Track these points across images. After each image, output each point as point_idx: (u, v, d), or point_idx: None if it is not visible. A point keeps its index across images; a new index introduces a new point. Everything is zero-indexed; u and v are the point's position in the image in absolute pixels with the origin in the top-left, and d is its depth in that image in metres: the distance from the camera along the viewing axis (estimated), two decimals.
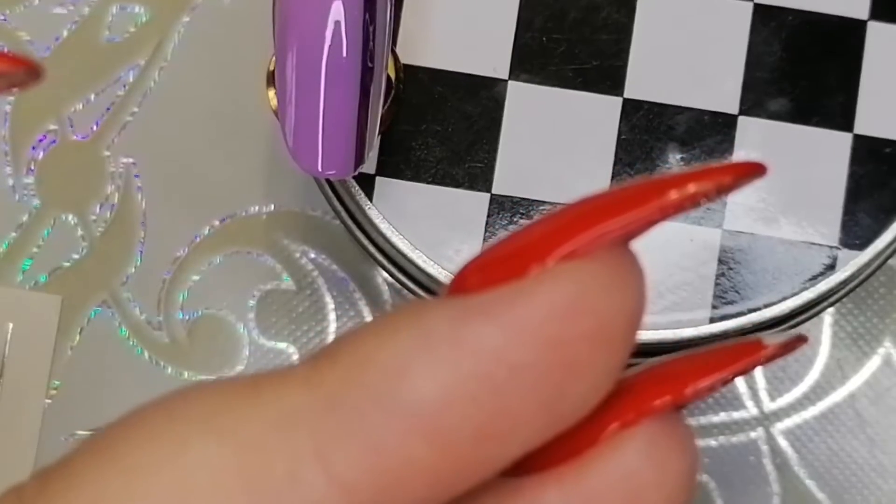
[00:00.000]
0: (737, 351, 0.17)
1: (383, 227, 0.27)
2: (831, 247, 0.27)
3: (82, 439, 0.16)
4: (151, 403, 0.15)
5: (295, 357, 0.37)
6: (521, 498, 0.16)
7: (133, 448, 0.15)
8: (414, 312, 0.15)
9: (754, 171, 0.15)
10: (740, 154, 0.27)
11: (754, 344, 0.17)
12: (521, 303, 0.15)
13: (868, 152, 0.27)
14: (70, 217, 0.37)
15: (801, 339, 0.17)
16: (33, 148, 0.37)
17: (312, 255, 0.37)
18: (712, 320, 0.27)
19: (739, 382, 0.37)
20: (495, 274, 0.15)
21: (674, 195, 0.15)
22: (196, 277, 0.37)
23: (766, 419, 0.37)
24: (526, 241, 0.15)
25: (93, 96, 0.38)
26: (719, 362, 0.16)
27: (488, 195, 0.27)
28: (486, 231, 0.27)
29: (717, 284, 0.27)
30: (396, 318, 0.15)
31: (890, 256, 0.28)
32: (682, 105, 0.27)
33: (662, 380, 0.16)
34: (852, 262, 0.27)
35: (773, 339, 0.17)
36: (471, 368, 0.14)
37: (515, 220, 0.27)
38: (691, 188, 0.15)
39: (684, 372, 0.16)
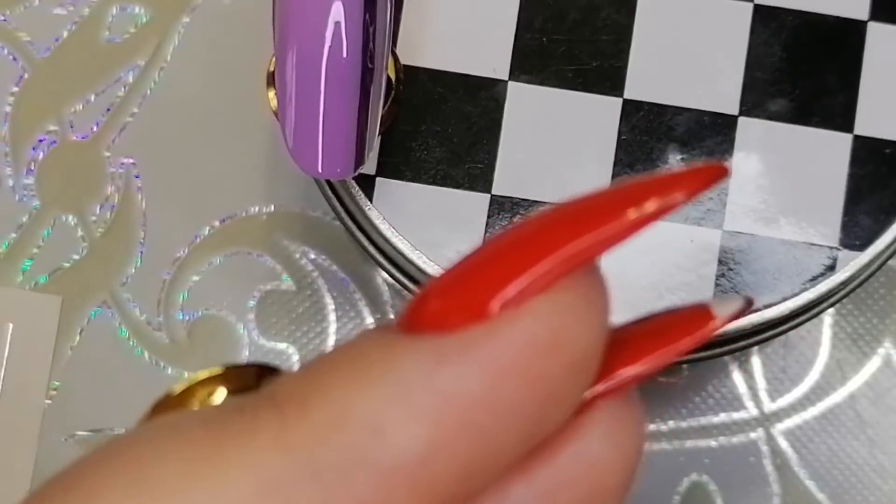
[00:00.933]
0: (687, 324, 0.16)
1: (383, 227, 0.27)
2: (831, 247, 0.27)
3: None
4: (104, 461, 0.14)
5: (295, 358, 0.37)
6: (488, 494, 0.15)
7: None
8: (385, 356, 0.14)
9: (717, 176, 0.15)
10: (740, 155, 0.27)
11: (702, 314, 0.16)
12: (499, 343, 0.14)
13: (868, 153, 0.27)
14: (70, 217, 0.37)
15: (749, 304, 0.16)
16: (33, 148, 0.37)
17: (312, 256, 0.37)
18: None
19: (739, 383, 0.37)
20: (458, 301, 0.15)
21: (651, 206, 0.15)
22: (196, 278, 0.37)
23: (766, 420, 0.37)
24: (487, 266, 0.15)
25: (93, 97, 0.38)
26: (670, 337, 0.16)
27: (488, 196, 0.27)
28: (486, 232, 0.27)
29: (717, 285, 0.27)
30: (366, 362, 0.14)
31: (890, 257, 0.28)
32: (682, 106, 0.27)
33: (615, 357, 0.16)
34: (852, 263, 0.27)
35: (721, 307, 0.16)
36: (452, 417, 0.14)
37: (515, 220, 0.27)
38: (663, 202, 0.15)
39: (635, 349, 0.16)
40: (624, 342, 0.16)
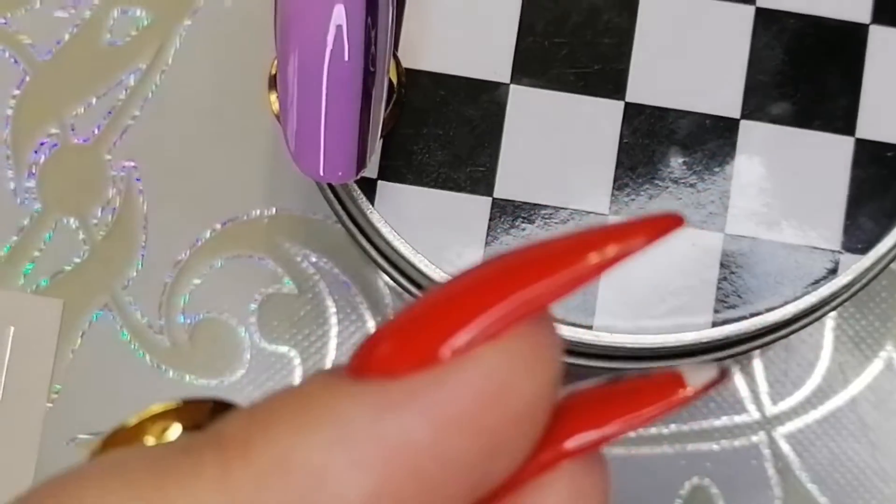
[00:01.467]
0: (657, 390, 0.16)
1: (385, 230, 0.27)
2: (833, 251, 0.27)
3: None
4: (47, 497, 0.14)
5: (297, 361, 0.37)
6: None
7: None
8: (329, 399, 0.14)
9: (671, 226, 0.14)
10: (742, 158, 0.27)
11: (674, 382, 0.16)
12: (446, 391, 0.14)
13: (870, 156, 0.27)
14: (71, 221, 0.37)
15: (724, 375, 0.16)
16: (35, 152, 0.37)
17: (314, 259, 0.37)
18: (714, 324, 0.27)
19: (741, 386, 0.37)
20: (408, 346, 0.14)
21: (594, 259, 0.14)
22: (197, 281, 0.37)
23: (768, 423, 0.37)
24: (439, 310, 0.15)
25: (94, 100, 0.38)
26: (639, 403, 0.15)
27: (490, 199, 0.27)
28: (487, 235, 0.27)
29: (719, 289, 0.27)
30: (311, 406, 0.14)
31: (892, 261, 0.28)
32: (684, 109, 0.27)
33: (582, 417, 0.15)
34: (854, 267, 0.27)
35: (695, 376, 0.16)
36: (396, 465, 0.14)
37: (517, 223, 0.27)
38: (611, 251, 0.14)
39: (602, 412, 0.15)
40: (592, 402, 0.16)
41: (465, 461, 0.14)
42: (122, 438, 0.16)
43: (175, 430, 0.16)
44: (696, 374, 0.16)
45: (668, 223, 0.14)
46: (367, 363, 0.14)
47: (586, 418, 0.15)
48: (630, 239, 0.14)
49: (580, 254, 0.14)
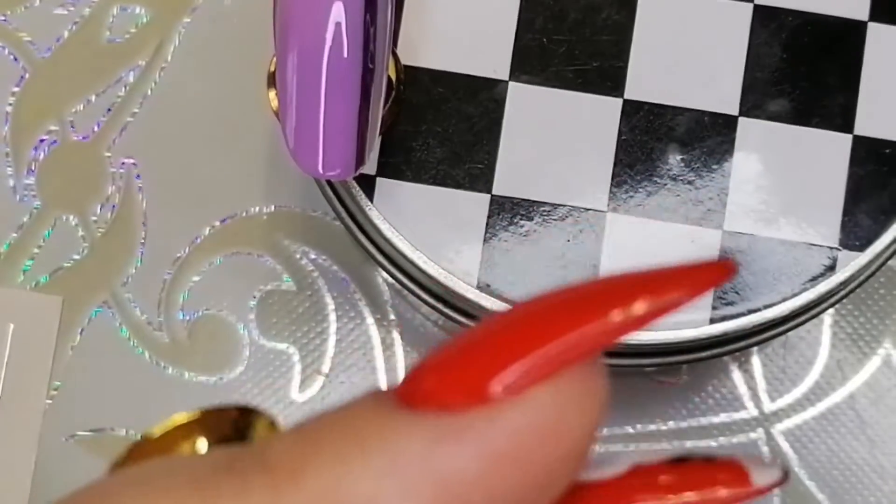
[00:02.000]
0: (724, 480, 0.16)
1: (384, 227, 0.27)
2: (831, 248, 0.27)
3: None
4: None
5: (295, 358, 0.37)
6: None
7: None
8: (381, 429, 0.14)
9: (727, 274, 0.15)
10: (740, 155, 0.27)
11: (740, 476, 0.16)
12: (499, 428, 0.14)
13: (868, 153, 0.27)
14: (71, 218, 0.37)
15: (787, 477, 0.16)
16: (34, 149, 0.37)
17: (313, 256, 0.37)
18: (713, 321, 0.27)
19: (739, 383, 0.37)
20: (457, 379, 0.15)
21: (644, 306, 0.14)
22: (196, 278, 0.37)
23: (766, 420, 0.37)
24: (486, 345, 0.15)
25: (93, 97, 0.38)
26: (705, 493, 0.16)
27: (489, 196, 0.27)
28: (486, 231, 0.27)
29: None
30: (362, 434, 0.14)
31: (890, 258, 0.28)
32: (683, 106, 0.27)
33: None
34: (852, 264, 0.27)
35: (760, 474, 0.16)
36: (445, 497, 0.14)
37: (516, 220, 0.27)
38: (674, 297, 0.14)
39: (666, 498, 0.16)
40: (656, 487, 0.16)
41: (512, 495, 0.14)
42: (147, 450, 0.16)
43: (202, 444, 0.16)
44: (762, 473, 0.16)
45: (722, 273, 0.15)
46: (416, 392, 0.15)
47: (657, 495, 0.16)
48: (684, 289, 0.14)
49: (635, 296, 0.14)
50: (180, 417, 0.16)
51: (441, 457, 0.14)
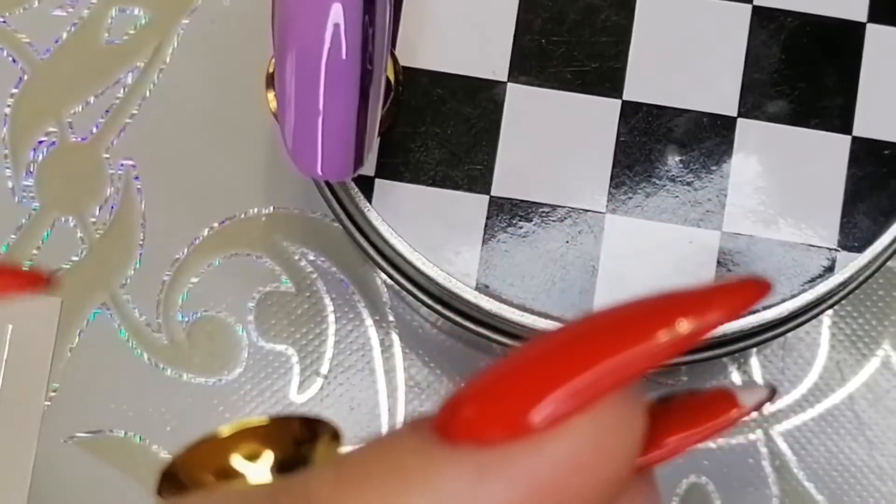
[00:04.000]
0: (710, 409, 0.16)
1: (382, 229, 0.27)
2: (830, 249, 0.27)
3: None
4: None
5: (294, 359, 0.37)
6: None
7: None
8: (423, 465, 0.14)
9: (764, 291, 0.14)
10: (739, 157, 0.27)
11: (727, 400, 0.16)
12: (541, 460, 0.14)
13: (867, 154, 0.27)
14: (69, 219, 0.37)
15: (773, 394, 0.16)
16: (33, 150, 0.37)
17: (311, 257, 0.37)
18: None
19: (738, 383, 0.37)
20: (495, 411, 0.15)
21: (685, 327, 0.14)
22: (195, 279, 0.37)
23: (765, 421, 0.37)
24: (521, 376, 0.15)
25: (92, 98, 0.38)
26: (692, 422, 0.16)
27: (487, 197, 0.27)
28: (485, 233, 0.27)
29: None
30: (404, 471, 0.14)
31: (888, 259, 0.28)
32: (681, 107, 0.27)
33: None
34: (851, 265, 0.27)
35: (747, 396, 0.16)
36: None
37: (514, 221, 0.27)
38: (713, 317, 0.14)
39: (655, 431, 0.16)
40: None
41: None
42: (211, 448, 0.16)
43: (267, 458, 0.16)
44: (749, 394, 0.16)
45: (756, 292, 0.14)
46: (455, 424, 0.15)
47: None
48: (725, 307, 0.14)
49: (678, 315, 0.14)
50: (250, 421, 0.17)
51: (483, 490, 0.14)
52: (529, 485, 0.14)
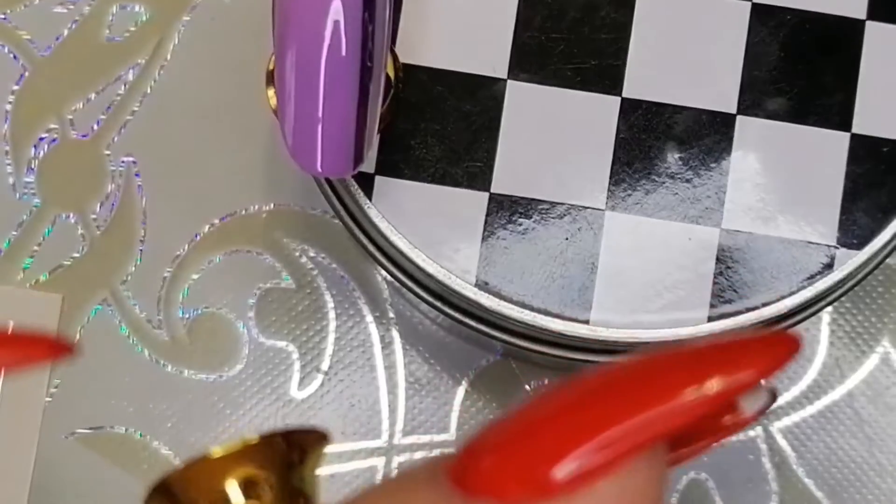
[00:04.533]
0: (715, 420, 0.15)
1: (382, 226, 0.27)
2: (829, 246, 0.27)
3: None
4: None
5: (295, 356, 0.37)
6: None
7: None
8: None
9: (797, 349, 0.14)
10: (738, 154, 0.27)
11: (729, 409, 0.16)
12: None
13: (866, 151, 0.27)
14: (70, 216, 0.37)
15: (774, 397, 0.16)
16: (34, 147, 0.38)
17: (312, 254, 0.37)
18: (710, 319, 0.27)
19: None
20: (514, 465, 0.14)
21: (715, 386, 0.13)
22: (196, 276, 0.37)
23: (764, 418, 0.37)
24: (540, 430, 0.14)
25: (93, 95, 0.38)
26: (698, 436, 0.15)
27: (487, 194, 0.27)
28: (484, 230, 0.27)
29: (715, 283, 0.27)
30: None
31: (888, 255, 0.28)
32: (681, 104, 0.27)
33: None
34: (850, 262, 0.27)
35: (747, 403, 0.15)
36: None
37: (514, 218, 0.27)
38: (745, 376, 0.14)
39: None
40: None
41: None
42: (204, 469, 0.16)
43: (264, 489, 0.16)
44: (750, 401, 0.16)
45: (786, 352, 0.14)
46: (472, 476, 0.14)
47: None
48: (758, 367, 0.14)
49: (709, 373, 0.14)
50: (240, 442, 0.16)
51: None
52: None
